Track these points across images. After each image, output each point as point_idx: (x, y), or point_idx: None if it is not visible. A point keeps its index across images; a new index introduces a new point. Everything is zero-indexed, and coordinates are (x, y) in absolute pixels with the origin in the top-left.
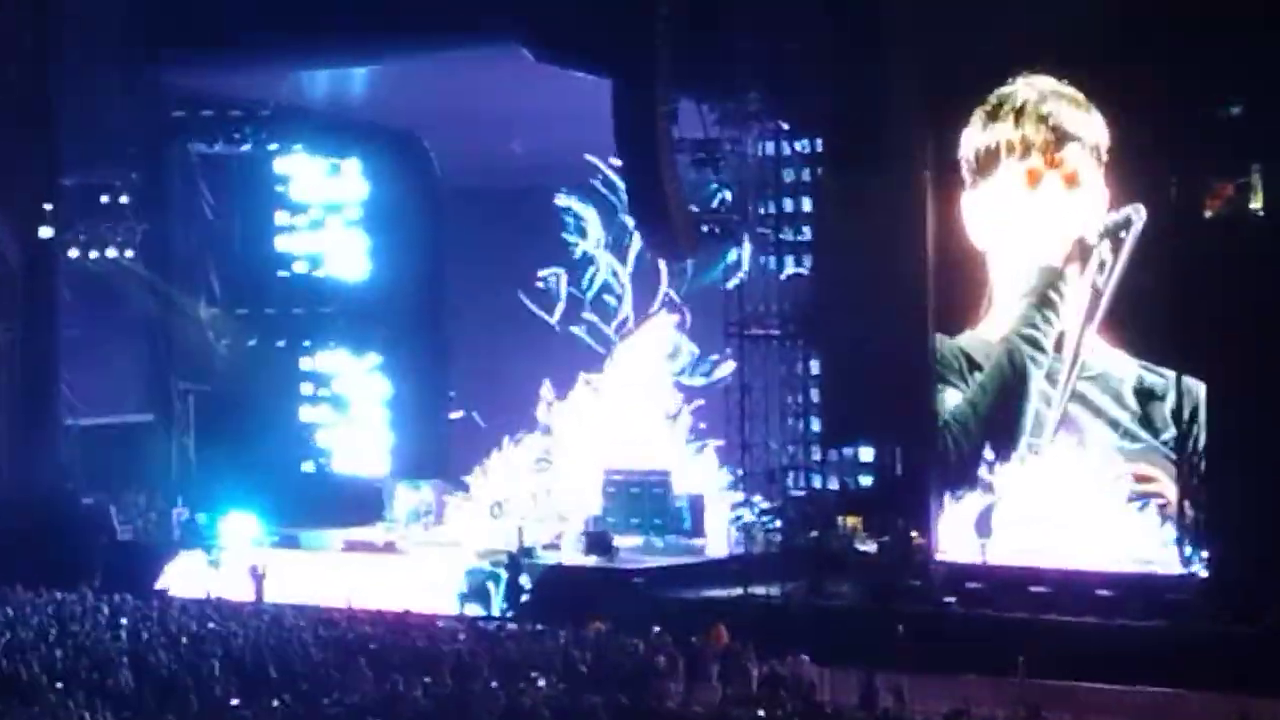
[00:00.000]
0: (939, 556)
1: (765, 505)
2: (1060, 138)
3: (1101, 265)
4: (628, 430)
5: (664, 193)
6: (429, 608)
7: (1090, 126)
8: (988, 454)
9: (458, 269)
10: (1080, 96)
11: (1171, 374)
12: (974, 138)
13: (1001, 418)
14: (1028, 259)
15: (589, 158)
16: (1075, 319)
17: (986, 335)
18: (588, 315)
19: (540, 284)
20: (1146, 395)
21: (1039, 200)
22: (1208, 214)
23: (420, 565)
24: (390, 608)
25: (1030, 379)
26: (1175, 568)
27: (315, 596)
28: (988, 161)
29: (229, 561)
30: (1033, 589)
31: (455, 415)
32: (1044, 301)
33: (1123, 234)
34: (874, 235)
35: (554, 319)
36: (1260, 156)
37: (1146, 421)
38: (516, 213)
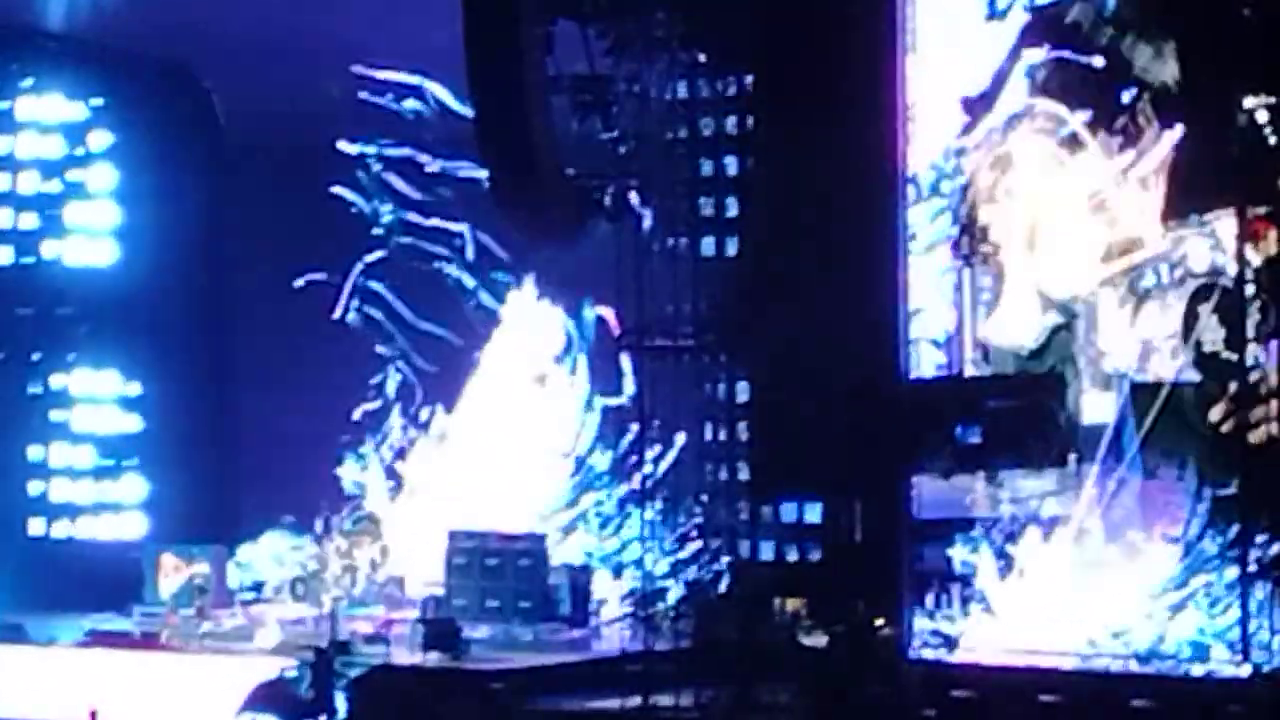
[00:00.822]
0: (913, 654)
1: (674, 583)
2: None
3: None
4: (484, 477)
5: (534, 150)
6: None
7: None
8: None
9: (248, 254)
10: None
11: None
12: None
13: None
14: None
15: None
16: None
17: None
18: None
19: (367, 278)
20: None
21: None
22: None
23: (193, 666)
24: None
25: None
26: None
27: (46, 710)
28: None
29: None
30: (1044, 699)
31: None
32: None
33: None
34: (823, 206)
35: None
36: None
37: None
38: (332, 178)
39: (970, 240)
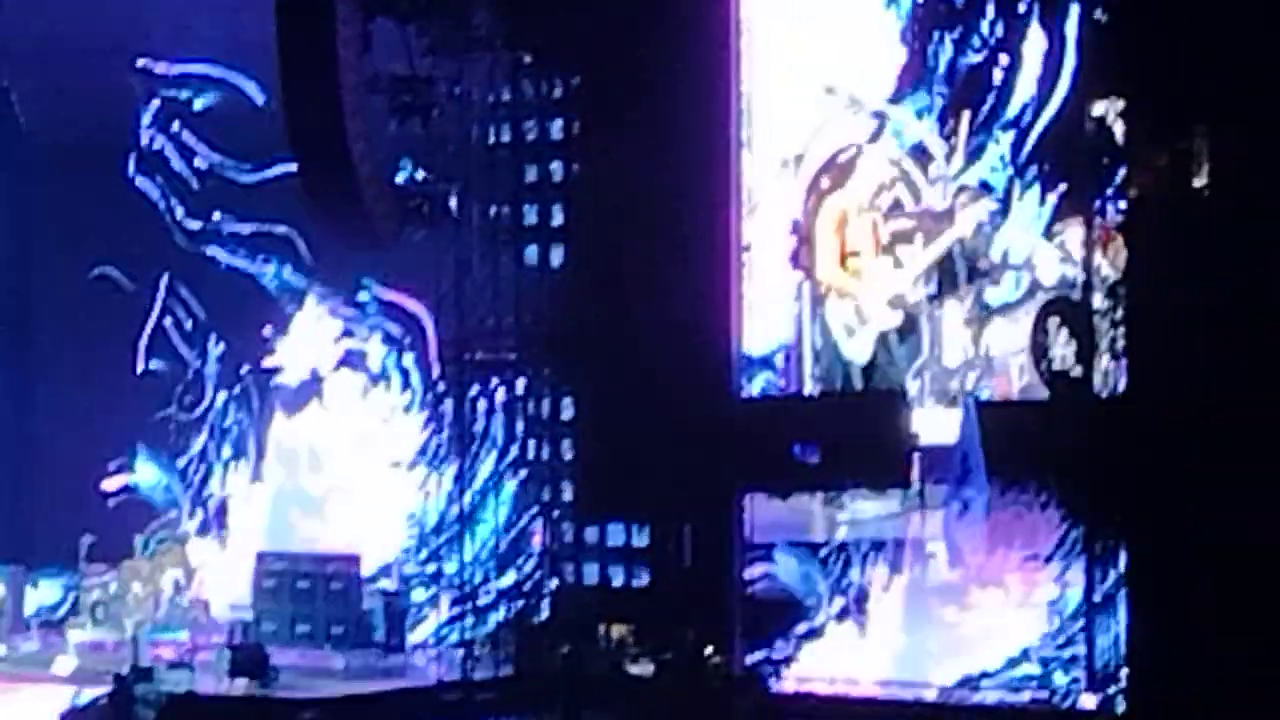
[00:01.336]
0: (745, 681)
1: (493, 607)
2: None
3: None
4: (296, 492)
5: (348, 153)
6: None
7: None
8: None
9: (50, 256)
10: None
11: None
12: None
13: None
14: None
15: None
16: None
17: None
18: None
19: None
20: None
21: None
22: None
23: None
24: None
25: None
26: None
27: None
28: None
29: None
30: None
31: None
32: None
33: None
34: (654, 216)
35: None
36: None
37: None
38: (135, 178)
39: (809, 251)
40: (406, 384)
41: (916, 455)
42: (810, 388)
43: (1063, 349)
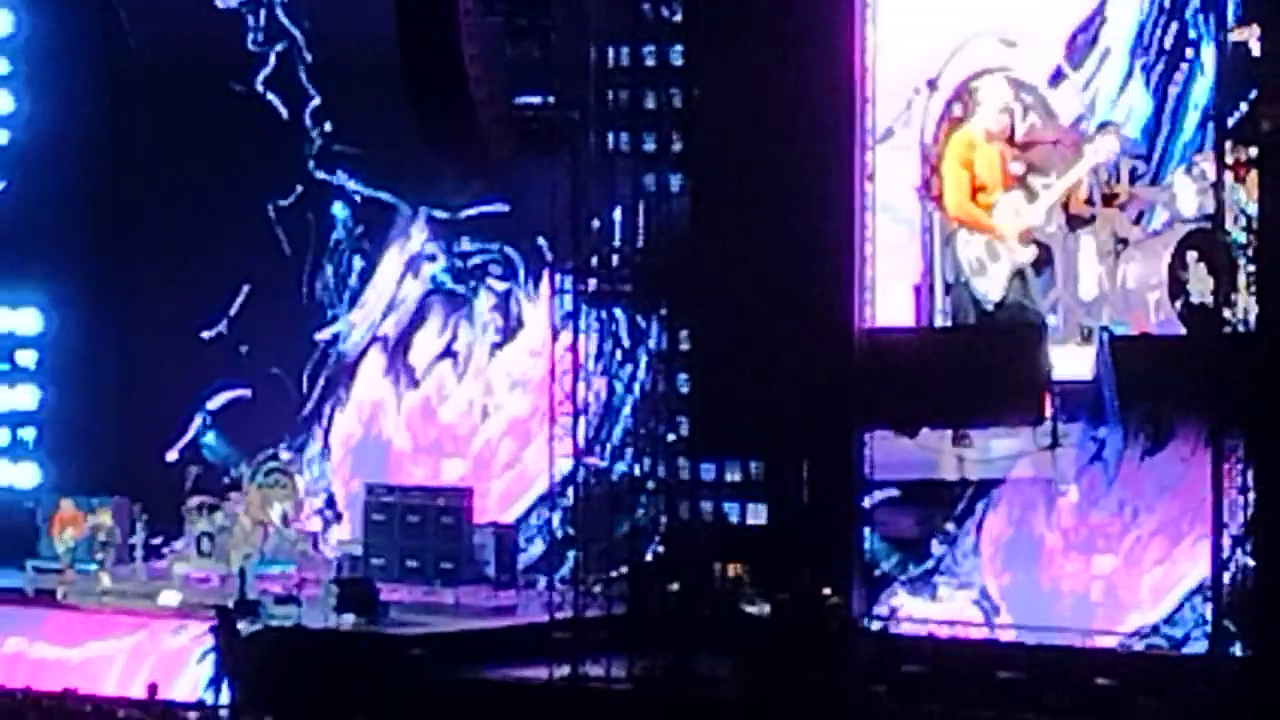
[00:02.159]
0: (865, 624)
1: (606, 544)
2: None
3: None
4: (410, 427)
5: (464, 76)
6: (103, 689)
7: None
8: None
9: (158, 164)
10: None
11: None
12: None
13: None
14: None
15: None
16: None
17: None
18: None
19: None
20: None
21: None
22: None
23: (92, 626)
24: (46, 689)
25: None
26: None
27: None
28: None
29: None
30: (1001, 675)
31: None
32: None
33: None
34: (776, 144)
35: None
36: None
37: None
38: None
39: (939, 181)
40: (520, 317)
41: (1050, 391)
42: (940, 322)
43: (1200, 283)
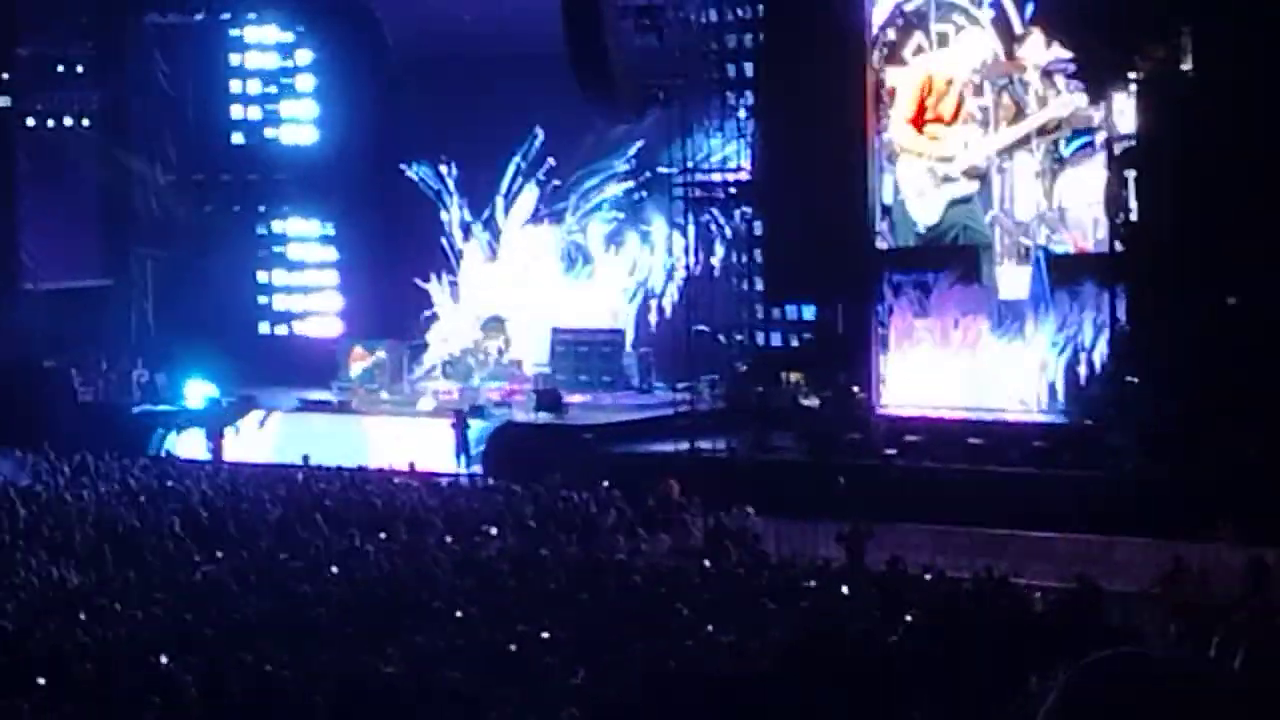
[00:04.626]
0: (880, 410)
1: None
2: None
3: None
4: (575, 289)
5: (607, 58)
6: (384, 464)
7: None
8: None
9: (411, 138)
10: None
11: None
12: None
13: None
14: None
15: None
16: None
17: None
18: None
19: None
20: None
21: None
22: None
23: (374, 424)
24: (346, 465)
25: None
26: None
27: (272, 455)
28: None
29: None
30: (971, 441)
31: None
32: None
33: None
34: (814, 103)
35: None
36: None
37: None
38: (472, 82)
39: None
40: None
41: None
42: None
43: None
